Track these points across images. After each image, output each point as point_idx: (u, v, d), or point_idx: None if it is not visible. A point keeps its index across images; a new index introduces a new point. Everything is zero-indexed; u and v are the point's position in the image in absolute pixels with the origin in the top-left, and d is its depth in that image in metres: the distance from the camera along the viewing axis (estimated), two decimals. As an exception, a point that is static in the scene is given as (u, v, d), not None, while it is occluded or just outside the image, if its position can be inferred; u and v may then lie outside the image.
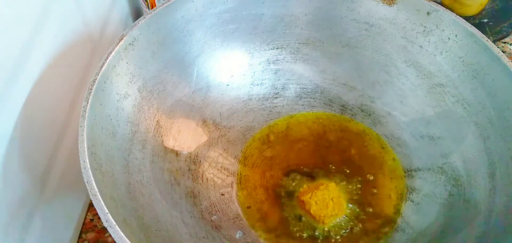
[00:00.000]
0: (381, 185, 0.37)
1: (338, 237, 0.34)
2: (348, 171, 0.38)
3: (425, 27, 0.37)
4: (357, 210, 0.35)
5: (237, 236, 0.34)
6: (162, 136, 0.36)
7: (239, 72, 0.42)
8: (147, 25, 0.35)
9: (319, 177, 0.37)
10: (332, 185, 0.35)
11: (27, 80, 0.30)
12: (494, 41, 0.49)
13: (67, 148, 0.36)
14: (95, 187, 0.25)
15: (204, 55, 0.40)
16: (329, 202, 0.34)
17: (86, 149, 0.27)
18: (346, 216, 0.35)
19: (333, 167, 0.38)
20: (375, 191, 0.37)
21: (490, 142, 0.33)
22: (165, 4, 0.36)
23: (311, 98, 0.43)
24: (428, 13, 0.37)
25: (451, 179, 0.35)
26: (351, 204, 0.36)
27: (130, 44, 0.34)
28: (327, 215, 0.34)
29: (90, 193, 0.25)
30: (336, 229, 0.34)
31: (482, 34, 0.34)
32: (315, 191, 0.34)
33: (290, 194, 0.36)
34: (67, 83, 0.36)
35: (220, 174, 0.38)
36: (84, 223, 0.38)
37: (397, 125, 0.40)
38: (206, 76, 0.40)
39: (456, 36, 0.36)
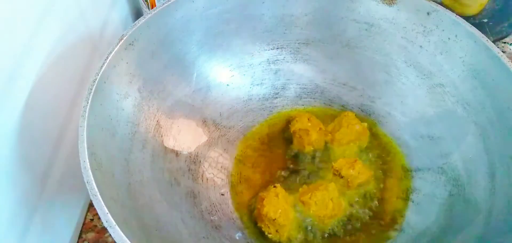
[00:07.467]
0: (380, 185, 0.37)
1: (337, 237, 0.34)
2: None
3: (425, 27, 0.37)
4: (357, 210, 0.35)
5: (237, 237, 0.34)
6: (162, 136, 0.36)
7: (239, 72, 0.42)
8: (147, 25, 0.35)
9: (319, 177, 0.37)
10: (331, 186, 0.35)
11: (27, 80, 0.30)
12: (494, 41, 0.49)
13: (67, 148, 0.36)
14: (95, 187, 0.25)
15: (204, 55, 0.40)
16: (328, 202, 0.34)
17: (86, 149, 0.27)
18: (346, 217, 0.35)
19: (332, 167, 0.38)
20: (374, 191, 0.37)
21: (490, 142, 0.33)
22: (165, 4, 0.36)
23: (311, 98, 0.43)
24: (428, 13, 0.37)
25: (451, 179, 0.35)
26: (350, 204, 0.36)
27: (130, 44, 0.34)
28: (326, 215, 0.34)
29: (90, 193, 0.25)
30: (336, 229, 0.34)
31: (482, 34, 0.34)
32: (315, 191, 0.34)
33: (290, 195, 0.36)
34: (67, 83, 0.36)
35: (220, 174, 0.38)
36: (84, 223, 0.38)
37: (397, 125, 0.40)
38: (206, 76, 0.40)
39: (456, 36, 0.36)
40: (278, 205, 0.33)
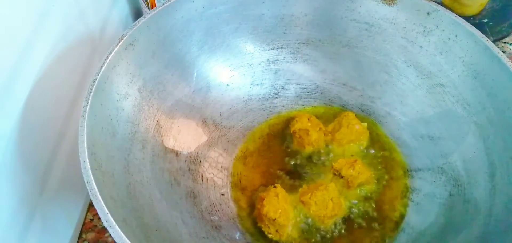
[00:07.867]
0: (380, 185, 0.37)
1: (337, 237, 0.34)
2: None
3: (425, 27, 0.37)
4: (357, 210, 0.35)
5: (237, 237, 0.34)
6: (162, 136, 0.36)
7: (239, 72, 0.42)
8: (147, 25, 0.35)
9: (319, 177, 0.37)
10: (331, 186, 0.35)
11: (27, 80, 0.30)
12: (494, 41, 0.49)
13: (67, 148, 0.36)
14: (95, 187, 0.25)
15: (204, 55, 0.40)
16: (328, 202, 0.34)
17: (86, 149, 0.27)
18: (346, 217, 0.35)
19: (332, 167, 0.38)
20: (374, 191, 0.37)
21: (490, 142, 0.33)
22: (165, 4, 0.36)
23: (311, 98, 0.43)
24: (428, 13, 0.37)
25: (451, 179, 0.35)
26: (350, 204, 0.36)
27: (130, 44, 0.34)
28: (326, 215, 0.34)
29: (90, 193, 0.25)
30: (336, 229, 0.34)
31: (482, 34, 0.34)
32: (315, 191, 0.34)
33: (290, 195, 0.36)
34: (67, 83, 0.36)
35: (220, 174, 0.38)
36: (84, 223, 0.38)
37: (397, 125, 0.40)
38: (206, 76, 0.40)
39: (456, 36, 0.36)
40: (278, 205, 0.33)
